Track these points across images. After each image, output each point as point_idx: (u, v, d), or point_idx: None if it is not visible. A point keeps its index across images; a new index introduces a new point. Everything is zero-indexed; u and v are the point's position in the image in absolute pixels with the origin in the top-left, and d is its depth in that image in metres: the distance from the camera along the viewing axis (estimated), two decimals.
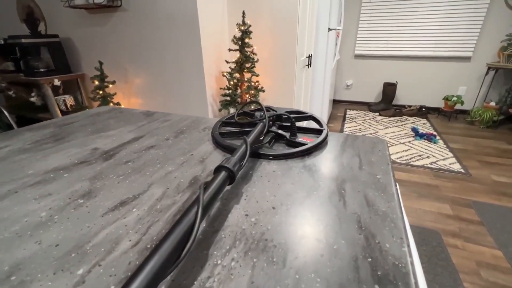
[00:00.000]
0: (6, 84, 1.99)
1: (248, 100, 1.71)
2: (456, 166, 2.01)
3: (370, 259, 0.23)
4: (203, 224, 0.27)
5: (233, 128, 0.54)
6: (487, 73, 2.92)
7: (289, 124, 0.49)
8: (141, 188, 0.35)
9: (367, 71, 3.64)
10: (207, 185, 0.27)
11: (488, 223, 1.40)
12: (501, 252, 1.22)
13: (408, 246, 0.24)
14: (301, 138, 0.47)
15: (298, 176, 0.37)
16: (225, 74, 1.71)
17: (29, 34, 2.09)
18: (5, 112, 0.96)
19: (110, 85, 1.85)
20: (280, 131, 0.48)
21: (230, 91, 1.70)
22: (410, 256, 0.23)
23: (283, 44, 1.73)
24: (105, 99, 1.84)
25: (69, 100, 2.01)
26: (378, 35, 3.40)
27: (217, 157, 0.43)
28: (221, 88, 1.75)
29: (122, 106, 1.97)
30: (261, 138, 0.45)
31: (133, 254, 0.24)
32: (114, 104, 1.90)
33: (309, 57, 2.08)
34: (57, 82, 1.86)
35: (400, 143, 2.46)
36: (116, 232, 0.27)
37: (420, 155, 2.21)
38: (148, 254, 0.18)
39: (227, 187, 0.34)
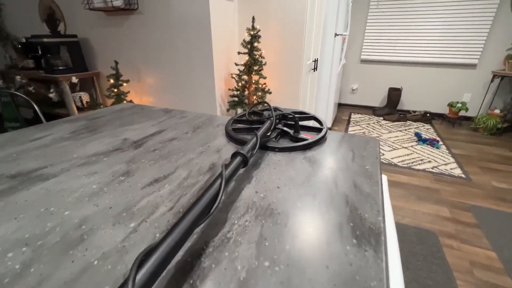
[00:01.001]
0: (26, 80, 2.11)
1: (255, 101, 1.78)
2: (457, 171, 2.05)
3: (352, 224, 0.30)
4: (223, 197, 0.35)
5: (244, 125, 0.61)
6: (492, 81, 2.94)
7: (293, 122, 0.56)
8: (169, 170, 0.42)
9: (373, 76, 3.68)
10: (227, 166, 0.34)
11: (485, 226, 1.44)
12: (495, 253, 1.26)
13: (383, 217, 0.31)
14: (303, 134, 0.54)
15: (299, 165, 0.44)
16: (233, 75, 1.79)
17: (49, 33, 2.21)
18: (36, 107, 1.04)
19: (124, 84, 1.95)
20: (285, 128, 0.55)
21: (238, 92, 1.78)
22: (383, 223, 0.30)
23: (290, 49, 1.80)
24: (119, 97, 1.94)
25: (85, 97, 2.11)
26: (384, 40, 3.45)
27: (230, 149, 0.50)
28: (229, 89, 1.83)
29: (134, 102, 2.07)
30: (269, 134, 0.53)
31: (170, 215, 0.31)
32: (127, 101, 1.99)
33: (315, 61, 2.15)
34: (74, 80, 1.97)
35: (403, 147, 2.51)
36: (154, 200, 0.34)
37: (422, 160, 2.25)
38: (188, 207, 0.26)
39: (241, 170, 0.41)
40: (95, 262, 0.25)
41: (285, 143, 0.52)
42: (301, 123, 0.58)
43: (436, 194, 1.75)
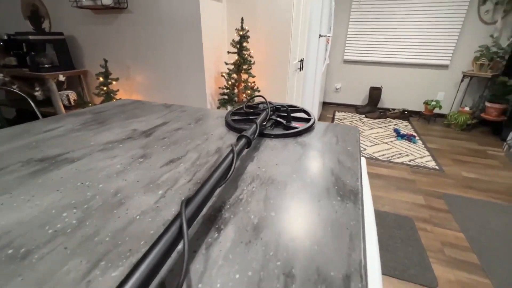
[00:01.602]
0: (9, 78, 2.06)
1: (245, 99, 1.85)
2: (432, 164, 2.22)
3: (336, 187, 0.38)
4: (235, 167, 0.42)
5: (241, 117, 0.68)
6: (462, 80, 3.18)
7: (285, 114, 0.64)
8: (181, 153, 0.49)
9: (355, 75, 3.86)
10: (235, 145, 0.41)
11: (455, 211, 1.60)
12: (462, 234, 1.41)
13: (361, 182, 0.39)
14: (294, 124, 0.62)
15: (292, 148, 0.51)
16: (223, 74, 1.85)
17: (33, 31, 2.17)
18: (33, 104, 1.06)
19: (114, 82, 1.95)
20: (278, 119, 0.63)
21: (228, 90, 1.84)
22: (361, 186, 0.38)
23: (278, 49, 1.89)
24: (109, 95, 1.94)
25: (72, 96, 2.09)
26: (365, 42, 3.63)
27: (231, 137, 0.57)
28: (219, 88, 1.89)
29: None
30: (264, 124, 0.60)
31: (190, 185, 0.38)
32: (116, 100, 2.00)
33: (301, 61, 2.25)
34: (61, 78, 1.95)
35: (383, 142, 2.67)
36: (173, 175, 0.41)
37: (400, 153, 2.41)
38: (209, 174, 0.33)
39: (244, 152, 0.48)
40: (137, 217, 0.31)
41: (279, 131, 0.60)
42: (292, 114, 0.65)
43: (413, 184, 1.90)
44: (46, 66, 1.96)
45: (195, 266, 0.25)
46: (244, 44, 1.75)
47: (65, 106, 2.08)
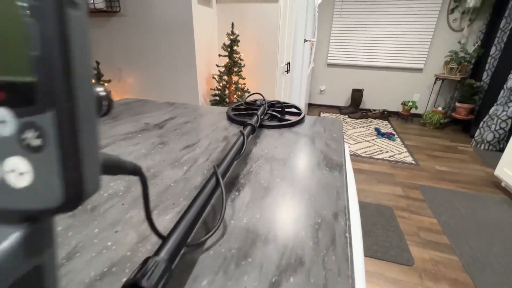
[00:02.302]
0: None
1: (236, 100, 1.94)
2: (409, 159, 2.41)
3: (325, 162, 0.48)
4: (245, 147, 0.51)
5: (240, 112, 0.77)
6: (435, 83, 3.44)
7: (279, 109, 0.74)
8: (194, 140, 0.57)
9: (338, 78, 4.05)
10: (244, 130, 0.50)
11: (429, 200, 1.76)
12: (436, 220, 1.56)
13: (344, 159, 0.50)
14: (287, 117, 0.72)
15: (287, 136, 0.61)
16: (215, 76, 1.93)
17: None
18: None
19: (106, 84, 1.98)
20: (274, 113, 0.72)
21: (220, 91, 1.92)
22: (345, 161, 0.48)
23: (266, 52, 1.99)
24: None
25: None
26: (347, 47, 3.83)
27: (234, 128, 0.66)
28: (211, 89, 1.96)
29: None
30: (262, 117, 0.69)
31: (208, 162, 0.46)
32: None
33: (288, 64, 2.37)
34: None
35: (365, 140, 2.84)
36: (193, 156, 0.49)
37: (381, 150, 2.58)
38: (226, 152, 0.41)
39: (250, 137, 0.57)
40: (172, 184, 0.39)
41: (275, 123, 0.70)
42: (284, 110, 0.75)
43: (392, 177, 2.06)
44: None
45: (226, 211, 0.33)
46: (235, 47, 1.84)
47: None
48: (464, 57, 3.18)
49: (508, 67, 2.58)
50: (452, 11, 3.27)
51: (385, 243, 1.36)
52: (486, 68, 2.98)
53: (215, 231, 0.28)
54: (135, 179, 0.41)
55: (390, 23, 3.53)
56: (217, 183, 0.32)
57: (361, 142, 2.80)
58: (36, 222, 0.09)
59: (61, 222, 0.31)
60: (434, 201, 1.75)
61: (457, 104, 3.20)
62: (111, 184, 0.39)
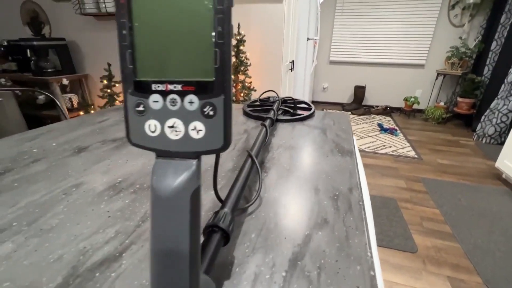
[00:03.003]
0: (11, 83, 2.11)
1: (242, 98, 2.01)
2: (412, 153, 2.46)
3: (337, 149, 0.54)
4: (268, 137, 0.57)
5: (255, 108, 0.84)
6: (437, 78, 3.48)
7: (291, 104, 0.80)
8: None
9: (340, 75, 4.10)
10: (265, 123, 0.56)
11: (431, 192, 1.82)
12: (438, 210, 1.62)
13: (354, 146, 0.56)
14: (299, 111, 0.78)
15: (300, 128, 0.68)
16: None
17: (32, 36, 2.23)
18: (60, 105, 1.16)
19: (117, 85, 2.05)
20: (286, 108, 0.79)
21: None
22: (354, 149, 0.55)
23: (271, 51, 2.06)
24: (112, 97, 2.04)
25: (75, 99, 2.17)
26: (349, 44, 3.88)
27: (251, 123, 0.73)
28: None
29: None
30: (276, 112, 0.76)
31: (235, 152, 0.53)
32: (119, 101, 2.10)
33: (292, 62, 2.43)
34: (65, 82, 2.03)
35: (368, 136, 2.90)
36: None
37: (384, 145, 2.64)
38: (248, 143, 0.48)
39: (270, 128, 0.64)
40: (209, 168, 0.46)
41: (287, 117, 0.76)
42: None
43: (395, 171, 2.12)
44: (49, 70, 2.04)
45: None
46: (241, 47, 1.90)
47: (68, 109, 2.16)
48: (465, 52, 3.21)
49: (509, 61, 2.62)
50: (453, 7, 3.30)
51: (389, 232, 1.43)
52: (487, 63, 3.01)
53: (255, 200, 0.35)
54: None
55: (391, 20, 3.57)
56: (253, 163, 0.39)
57: (365, 137, 2.86)
58: (200, 158, 0.16)
59: (128, 196, 0.38)
60: (436, 193, 1.81)
61: (459, 99, 3.24)
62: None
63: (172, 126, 0.15)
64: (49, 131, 0.65)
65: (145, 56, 0.15)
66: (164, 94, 0.15)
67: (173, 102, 0.15)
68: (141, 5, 0.14)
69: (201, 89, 0.15)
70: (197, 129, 0.15)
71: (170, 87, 0.15)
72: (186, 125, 0.15)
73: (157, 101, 0.15)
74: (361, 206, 0.36)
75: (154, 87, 0.15)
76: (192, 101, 0.15)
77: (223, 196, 0.31)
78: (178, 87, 0.15)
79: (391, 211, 1.60)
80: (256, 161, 0.39)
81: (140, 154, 0.52)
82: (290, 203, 0.37)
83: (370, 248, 0.29)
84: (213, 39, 0.14)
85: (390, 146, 2.62)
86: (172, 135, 0.15)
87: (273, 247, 0.29)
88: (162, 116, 0.15)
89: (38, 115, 2.24)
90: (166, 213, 0.15)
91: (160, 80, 0.15)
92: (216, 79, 0.14)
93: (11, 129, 1.05)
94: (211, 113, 0.15)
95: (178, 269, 0.15)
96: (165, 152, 0.16)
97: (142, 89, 0.15)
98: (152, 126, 0.15)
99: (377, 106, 3.93)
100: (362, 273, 0.25)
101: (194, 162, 0.15)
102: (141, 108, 0.15)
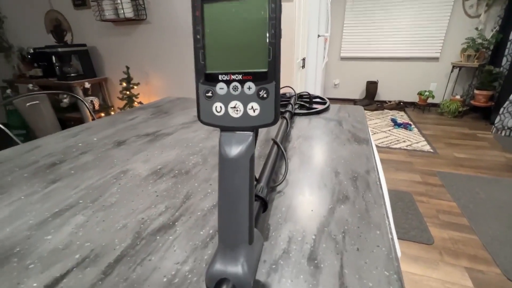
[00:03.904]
0: (38, 88, 2.25)
1: None
2: (427, 147, 2.43)
3: (354, 138, 0.58)
4: (288, 127, 0.62)
5: None
6: (452, 71, 3.40)
7: (307, 99, 0.84)
8: None
9: (352, 71, 4.07)
10: (285, 115, 0.61)
11: (448, 185, 1.81)
12: (455, 203, 1.61)
13: (369, 135, 0.60)
14: (315, 106, 0.82)
15: (317, 121, 0.72)
16: None
17: (55, 43, 2.36)
18: (87, 107, 1.24)
19: (135, 87, 2.15)
20: (302, 102, 0.83)
21: None
22: (370, 138, 0.58)
23: (283, 49, 2.08)
24: (131, 99, 2.14)
25: (96, 101, 2.28)
26: (360, 39, 3.84)
27: None
28: None
29: (144, 103, 2.27)
30: (294, 106, 0.80)
31: (258, 142, 0.58)
32: (137, 103, 2.19)
33: (303, 59, 2.46)
34: (87, 85, 2.14)
35: (382, 131, 2.88)
36: None
37: (398, 140, 2.62)
38: (270, 134, 0.53)
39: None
40: None
41: (304, 111, 0.80)
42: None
43: (410, 165, 2.11)
44: (73, 75, 2.16)
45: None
46: None
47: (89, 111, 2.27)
48: (482, 43, 3.12)
49: None
50: None
51: (405, 225, 1.44)
52: (506, 53, 2.92)
53: (283, 179, 0.40)
54: (209, 153, 0.53)
55: (402, 13, 3.52)
56: (278, 148, 0.43)
57: (378, 133, 2.85)
58: (255, 131, 0.20)
59: (170, 180, 0.43)
60: (453, 186, 1.79)
61: (476, 92, 3.16)
62: (190, 158, 0.51)
63: (234, 107, 0.20)
64: (88, 128, 0.72)
65: (213, 54, 0.20)
66: (228, 82, 0.20)
67: (235, 88, 0.20)
68: (211, 17, 0.19)
69: (257, 77, 0.19)
70: (254, 108, 0.20)
71: (233, 77, 0.19)
72: (245, 105, 0.20)
73: (222, 88, 0.20)
74: (379, 185, 0.39)
75: (220, 77, 0.20)
76: (250, 87, 0.19)
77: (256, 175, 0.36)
78: (239, 76, 0.19)
79: (406, 205, 1.61)
80: (281, 146, 0.43)
81: (173, 146, 0.57)
82: (313, 183, 0.41)
83: (388, 218, 0.33)
84: (268, 39, 0.18)
85: (404, 141, 2.60)
86: (234, 114, 0.20)
87: (302, 218, 0.33)
88: (226, 99, 0.20)
89: (61, 117, 2.37)
90: (232, 172, 0.20)
91: (225, 72, 0.19)
92: (269, 70, 0.19)
93: (48, 128, 1.14)
94: (265, 95, 0.19)
95: (240, 211, 0.20)
96: (228, 127, 0.20)
97: (211, 79, 0.20)
98: (218, 108, 0.20)
99: (390, 101, 3.88)
100: (381, 236, 0.29)
101: (251, 134, 0.20)
102: (209, 94, 0.20)
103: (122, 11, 1.86)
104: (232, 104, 0.20)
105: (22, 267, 0.27)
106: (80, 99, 1.14)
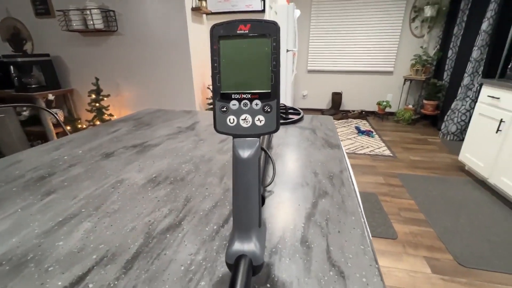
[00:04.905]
0: None
1: None
2: (387, 152, 2.68)
3: (326, 144, 0.66)
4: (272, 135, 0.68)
5: None
6: (404, 83, 3.82)
7: (284, 110, 0.92)
8: (224, 137, 0.73)
9: (318, 83, 4.36)
10: None
11: (407, 185, 2.01)
12: (413, 201, 1.81)
13: (339, 141, 0.69)
14: (290, 116, 0.90)
15: (292, 130, 0.79)
16: (209, 87, 2.09)
17: (13, 52, 2.20)
18: (59, 119, 1.18)
19: (105, 98, 2.08)
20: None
21: None
22: (340, 144, 0.67)
23: None
24: (100, 111, 2.06)
25: (60, 114, 2.15)
26: (324, 54, 4.15)
27: None
28: (206, 98, 2.12)
29: (115, 116, 2.19)
30: None
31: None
32: (107, 115, 2.11)
33: None
34: (51, 97, 2.02)
35: (347, 138, 3.11)
36: (229, 146, 0.66)
37: (362, 146, 2.85)
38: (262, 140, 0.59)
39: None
40: (225, 163, 0.56)
41: (281, 121, 0.88)
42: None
43: (374, 169, 2.31)
44: (34, 86, 2.02)
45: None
46: None
47: (53, 124, 2.13)
48: (427, 59, 3.58)
49: (463, 67, 2.97)
50: (414, 20, 3.69)
51: (373, 223, 1.57)
52: (446, 68, 3.38)
53: (272, 180, 0.45)
54: (200, 161, 0.57)
55: (361, 32, 3.90)
56: (266, 154, 0.49)
57: (344, 140, 3.06)
58: (261, 138, 0.26)
59: (167, 186, 0.46)
60: (411, 186, 2.01)
61: (425, 101, 3.58)
62: (182, 166, 0.55)
63: (244, 119, 0.26)
64: (70, 141, 0.71)
65: (227, 79, 0.25)
66: (239, 100, 0.25)
67: (245, 104, 0.25)
68: (226, 50, 0.25)
69: (263, 96, 0.25)
70: (260, 120, 0.25)
71: (243, 96, 0.25)
72: (253, 118, 0.25)
73: (235, 104, 0.25)
74: (351, 182, 0.47)
75: (233, 96, 0.25)
76: (257, 104, 0.25)
77: None
78: (248, 95, 0.25)
79: (373, 205, 1.76)
80: (268, 152, 0.49)
81: (163, 156, 0.60)
82: (297, 182, 0.47)
83: (360, 206, 0.40)
84: (271, 68, 0.25)
85: (367, 147, 2.84)
86: (244, 124, 0.26)
87: (291, 211, 0.39)
88: (238, 113, 0.25)
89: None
90: (246, 169, 0.25)
91: (237, 92, 0.25)
92: (272, 90, 0.25)
93: (15, 144, 1.06)
94: (269, 110, 0.25)
95: (252, 200, 0.25)
96: (239, 135, 0.26)
97: (226, 97, 0.25)
98: (231, 120, 0.26)
99: (353, 111, 4.21)
100: (356, 221, 0.36)
101: (258, 140, 0.26)
102: (224, 109, 0.26)
103: (91, 22, 1.82)
104: (243, 116, 0.25)
105: (41, 270, 0.29)
106: (49, 111, 1.10)
